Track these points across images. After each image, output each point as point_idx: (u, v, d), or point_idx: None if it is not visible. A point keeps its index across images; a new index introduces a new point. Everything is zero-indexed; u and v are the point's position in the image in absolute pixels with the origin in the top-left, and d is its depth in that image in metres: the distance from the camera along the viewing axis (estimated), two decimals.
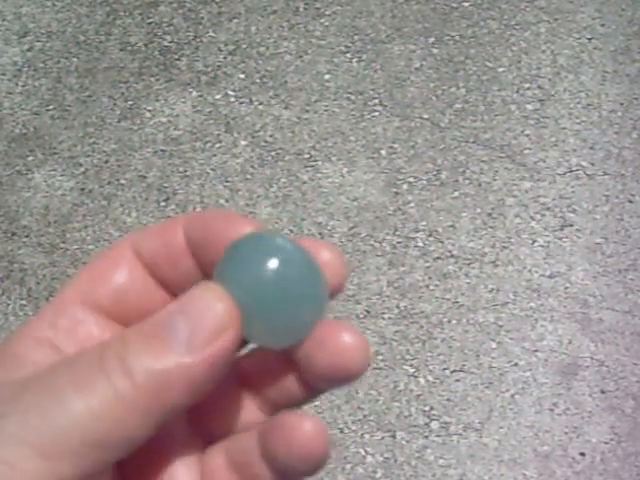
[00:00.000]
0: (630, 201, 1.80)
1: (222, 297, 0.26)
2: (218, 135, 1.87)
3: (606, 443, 1.50)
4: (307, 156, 1.82)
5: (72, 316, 0.30)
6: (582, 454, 1.49)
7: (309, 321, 0.27)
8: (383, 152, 1.81)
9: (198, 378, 0.25)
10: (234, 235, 0.28)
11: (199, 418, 0.31)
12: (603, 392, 1.55)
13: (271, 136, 1.84)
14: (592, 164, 1.84)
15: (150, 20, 2.06)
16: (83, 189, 1.81)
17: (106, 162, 1.84)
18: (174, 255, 0.30)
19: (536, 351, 1.58)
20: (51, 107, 1.93)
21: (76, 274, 0.31)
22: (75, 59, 2.01)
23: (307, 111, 1.89)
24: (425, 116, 1.87)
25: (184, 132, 1.87)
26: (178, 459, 0.30)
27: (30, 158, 1.86)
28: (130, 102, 1.93)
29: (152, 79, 1.96)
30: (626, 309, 1.64)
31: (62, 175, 1.83)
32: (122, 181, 1.81)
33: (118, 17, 2.07)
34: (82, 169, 1.84)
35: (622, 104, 1.94)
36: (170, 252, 0.30)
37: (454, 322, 1.60)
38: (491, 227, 1.72)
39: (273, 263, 0.26)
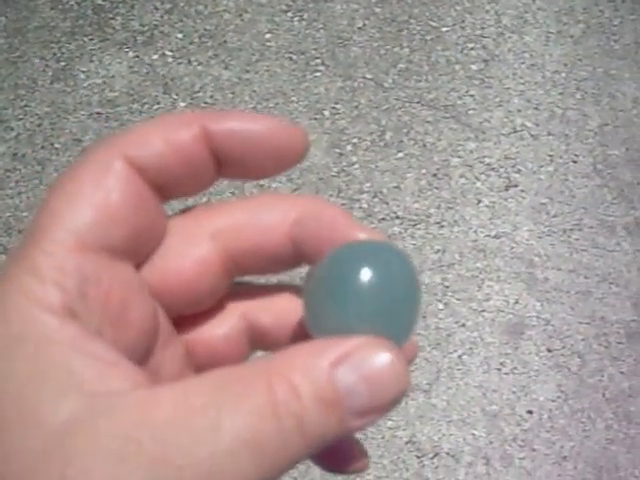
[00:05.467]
0: (574, 161, 1.79)
1: (407, 371, 0.24)
2: (156, 96, 1.81)
3: (553, 401, 1.50)
4: None
5: (78, 270, 0.25)
6: (530, 412, 1.48)
7: (409, 328, 0.26)
8: (326, 113, 1.78)
9: (345, 434, 0.24)
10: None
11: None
12: (549, 351, 1.55)
13: (211, 97, 1.79)
14: (536, 124, 1.83)
15: None
16: (15, 154, 1.74)
17: (39, 126, 1.77)
18: (185, 157, 0.27)
19: (483, 311, 1.57)
20: None
21: (56, 206, 0.25)
22: (3, 18, 1.92)
23: (248, 71, 1.84)
24: (368, 76, 1.84)
25: (120, 94, 1.81)
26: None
27: None
28: (63, 63, 1.86)
29: (85, 39, 1.89)
30: (571, 268, 1.64)
31: None
32: (56, 145, 1.75)
33: None
34: (14, 133, 1.77)
35: (566, 65, 1.93)
36: (179, 154, 0.27)
37: None
38: (436, 188, 1.70)
39: (375, 276, 0.25)
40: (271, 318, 0.30)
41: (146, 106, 1.80)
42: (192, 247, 0.28)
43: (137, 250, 0.27)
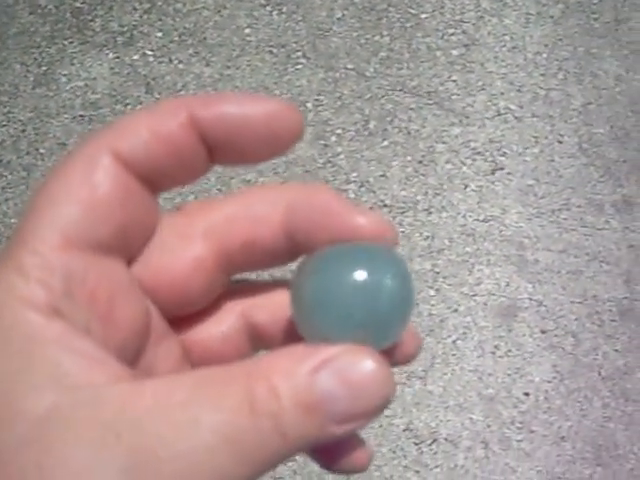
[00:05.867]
0: (559, 141, 1.79)
1: (391, 378, 0.24)
2: (138, 97, 1.80)
3: (549, 382, 1.50)
4: None
5: (63, 268, 0.24)
6: (526, 394, 1.49)
7: (397, 333, 0.26)
8: (309, 105, 1.77)
9: (327, 440, 0.24)
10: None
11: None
12: (543, 332, 1.55)
13: (194, 95, 1.78)
14: (520, 107, 1.83)
15: None
16: (1, 161, 1.74)
17: (23, 131, 1.77)
18: (173, 147, 0.26)
19: (475, 295, 1.57)
20: None
21: (41, 204, 0.25)
22: None
23: (229, 67, 1.84)
24: (350, 66, 1.83)
25: (103, 95, 1.81)
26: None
27: None
28: (44, 67, 1.85)
29: (65, 42, 1.88)
30: (561, 249, 1.64)
31: None
32: (41, 150, 1.74)
33: None
34: None
35: (546, 45, 1.93)
36: (166, 144, 0.26)
37: None
38: (422, 174, 1.70)
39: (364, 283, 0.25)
40: (266, 316, 0.30)
41: (129, 107, 1.79)
42: (184, 246, 0.28)
43: (126, 246, 0.27)
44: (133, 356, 0.27)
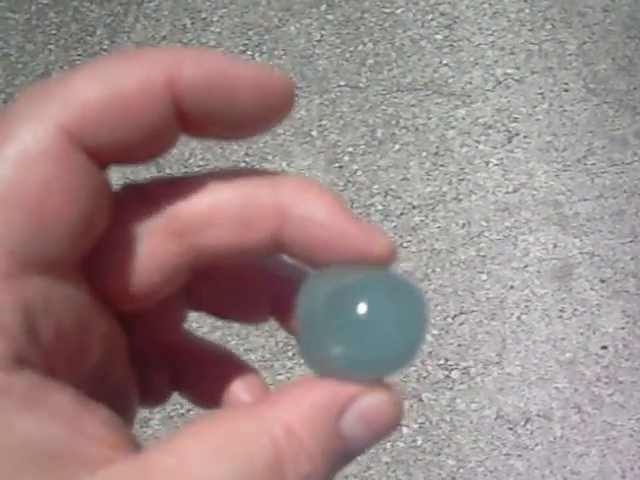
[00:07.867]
0: (566, 90, 1.78)
1: (402, 406, 0.23)
2: (151, 177, 1.84)
3: (623, 328, 1.49)
4: (243, 163, 1.80)
5: (21, 303, 0.19)
6: (604, 347, 1.48)
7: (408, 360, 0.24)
8: (314, 133, 1.80)
9: None
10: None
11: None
12: (603, 281, 1.54)
13: (202, 159, 1.81)
14: (517, 69, 1.83)
15: None
16: None
17: None
18: (138, 117, 0.21)
19: (526, 267, 1.57)
20: None
21: None
22: None
23: None
24: (342, 83, 1.85)
25: (115, 187, 1.85)
26: None
27: None
28: None
29: None
30: (597, 194, 1.63)
31: None
32: None
33: None
34: None
35: (526, 1, 1.93)
36: (130, 112, 0.21)
37: (438, 270, 1.58)
38: (442, 165, 1.71)
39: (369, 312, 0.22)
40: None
41: None
42: (147, 243, 0.23)
43: (82, 249, 0.21)
44: (104, 375, 0.24)
